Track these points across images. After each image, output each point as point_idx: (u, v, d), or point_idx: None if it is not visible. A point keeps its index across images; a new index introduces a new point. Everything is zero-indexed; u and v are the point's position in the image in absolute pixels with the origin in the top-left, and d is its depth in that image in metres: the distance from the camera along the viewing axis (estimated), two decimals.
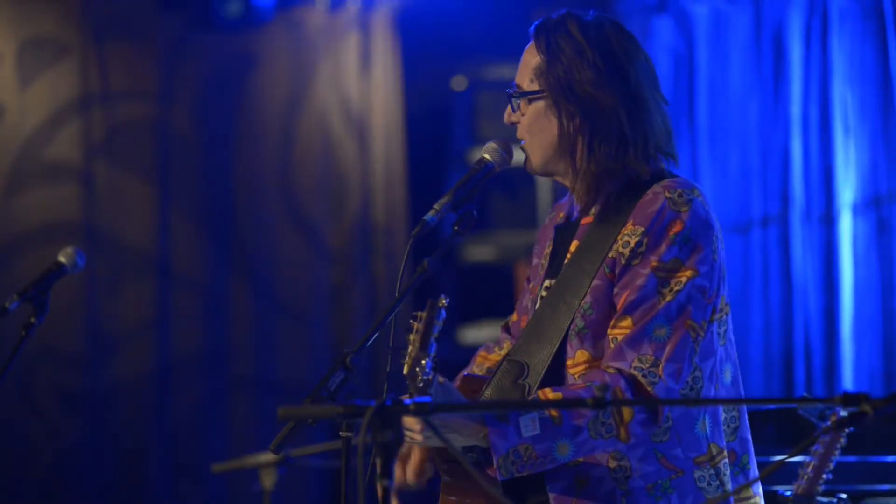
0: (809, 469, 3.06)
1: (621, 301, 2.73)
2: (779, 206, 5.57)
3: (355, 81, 6.36)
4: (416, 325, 2.62)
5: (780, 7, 5.59)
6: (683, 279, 2.72)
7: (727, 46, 5.74)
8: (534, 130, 2.88)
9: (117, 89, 6.17)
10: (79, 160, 6.10)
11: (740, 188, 5.67)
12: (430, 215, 2.79)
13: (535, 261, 3.05)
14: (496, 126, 6.16)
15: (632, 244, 2.75)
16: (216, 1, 6.12)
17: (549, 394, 2.68)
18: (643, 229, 2.75)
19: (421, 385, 2.56)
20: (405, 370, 2.59)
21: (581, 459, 2.73)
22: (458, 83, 6.49)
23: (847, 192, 5.39)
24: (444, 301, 2.63)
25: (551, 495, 2.76)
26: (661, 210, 2.75)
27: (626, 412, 2.65)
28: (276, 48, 6.31)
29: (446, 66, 6.52)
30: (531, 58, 2.90)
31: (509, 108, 2.93)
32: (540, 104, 2.87)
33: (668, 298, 2.71)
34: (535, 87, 2.88)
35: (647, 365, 2.68)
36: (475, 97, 6.42)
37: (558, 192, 5.88)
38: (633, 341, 2.69)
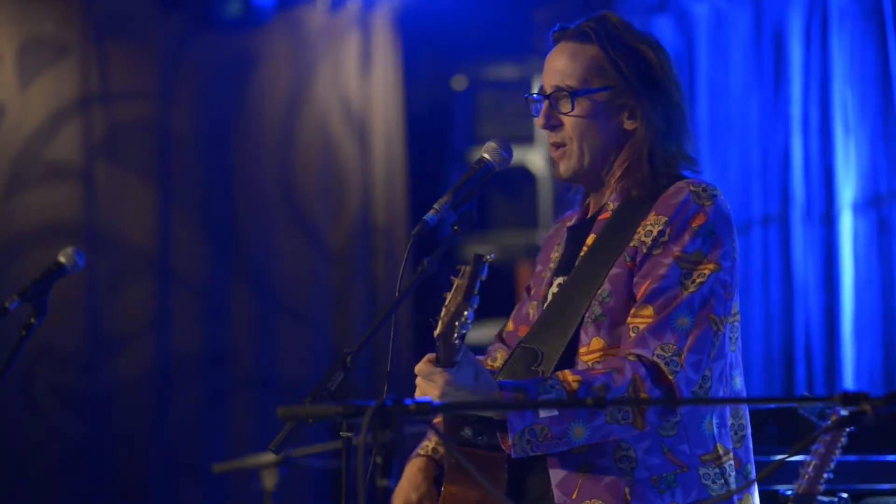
0: (810, 468, 3.05)
1: (642, 290, 2.72)
2: (779, 206, 5.57)
3: (355, 81, 6.35)
4: (457, 280, 2.59)
5: (780, 7, 5.60)
6: (707, 272, 2.73)
7: (727, 46, 5.74)
8: (586, 130, 2.82)
9: (117, 89, 6.16)
10: (79, 160, 6.10)
11: (740, 188, 5.67)
12: (430, 215, 2.78)
13: (540, 268, 3.03)
14: (496, 126, 6.20)
15: (654, 233, 2.74)
16: (216, 1, 6.12)
17: (568, 375, 2.66)
18: (666, 219, 2.74)
19: (456, 342, 2.53)
20: (439, 328, 2.55)
21: (586, 448, 2.73)
22: (458, 83, 6.48)
23: (847, 191, 5.39)
24: (489, 256, 2.60)
25: (554, 481, 2.76)
26: (686, 202, 2.75)
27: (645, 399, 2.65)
28: (276, 48, 6.31)
29: (446, 66, 6.51)
30: (579, 55, 2.83)
31: (546, 111, 2.85)
32: (602, 101, 2.82)
33: (692, 290, 2.71)
34: (600, 82, 2.82)
35: (670, 353, 2.67)
36: (475, 97, 6.41)
37: (559, 192, 5.87)
38: (656, 330, 2.68)
